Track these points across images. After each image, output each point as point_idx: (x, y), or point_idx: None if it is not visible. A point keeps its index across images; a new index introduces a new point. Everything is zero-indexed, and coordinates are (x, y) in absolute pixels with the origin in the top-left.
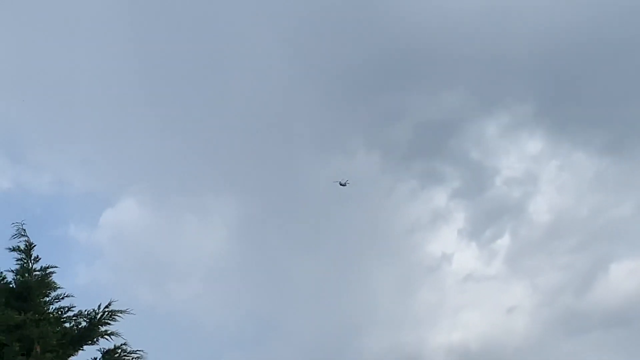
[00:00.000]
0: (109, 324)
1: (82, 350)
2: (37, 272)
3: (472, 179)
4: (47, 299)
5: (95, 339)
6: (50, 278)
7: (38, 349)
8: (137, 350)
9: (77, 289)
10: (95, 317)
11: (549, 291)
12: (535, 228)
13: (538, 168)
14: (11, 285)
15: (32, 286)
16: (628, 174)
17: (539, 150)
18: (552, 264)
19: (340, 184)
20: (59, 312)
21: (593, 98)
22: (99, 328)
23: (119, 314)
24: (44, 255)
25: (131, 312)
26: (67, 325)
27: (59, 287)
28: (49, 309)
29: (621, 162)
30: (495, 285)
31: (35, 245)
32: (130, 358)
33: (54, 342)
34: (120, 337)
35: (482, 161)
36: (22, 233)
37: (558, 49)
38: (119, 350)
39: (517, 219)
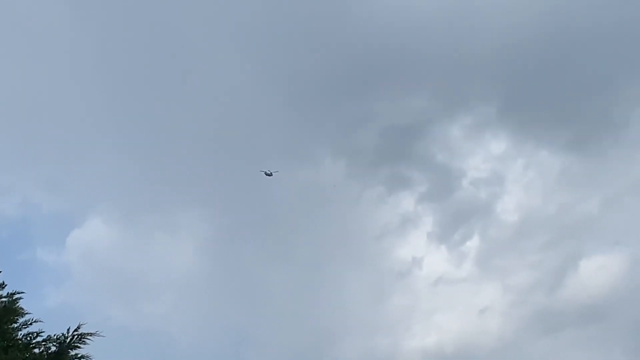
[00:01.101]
0: (79, 347)
1: None
2: (4, 299)
3: (439, 182)
4: (15, 325)
5: None
6: (18, 304)
7: None
8: None
9: (47, 312)
10: (64, 342)
11: (521, 290)
12: (504, 228)
13: (504, 168)
14: None
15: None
16: (593, 170)
17: (504, 150)
18: (523, 263)
19: (266, 174)
20: (28, 338)
21: (555, 96)
22: (69, 352)
23: (89, 337)
24: (12, 280)
25: (101, 334)
26: (36, 350)
27: (27, 313)
28: (17, 335)
29: (586, 159)
30: (467, 287)
31: (0, 272)
32: None
33: None
34: None
35: (448, 163)
36: None
37: (518, 49)
38: None
39: (485, 220)
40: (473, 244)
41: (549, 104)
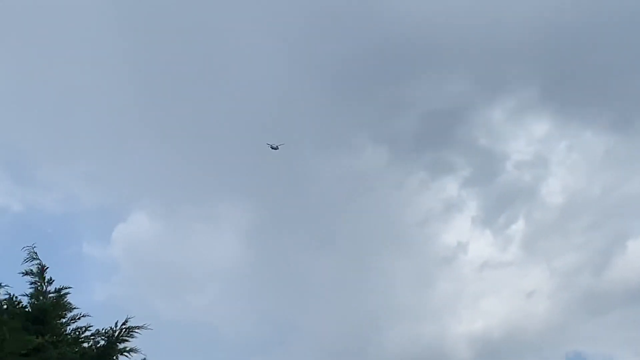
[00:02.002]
0: (128, 340)
1: None
2: (52, 294)
3: (482, 166)
4: (64, 320)
5: (114, 357)
6: (66, 299)
7: None
8: None
9: (94, 306)
10: (113, 335)
11: (567, 273)
12: (549, 210)
13: (547, 150)
14: (27, 309)
15: (48, 309)
16: (638, 150)
17: (547, 132)
18: (569, 245)
19: (272, 147)
20: (77, 333)
21: (598, 76)
22: (117, 346)
23: (136, 330)
24: (59, 275)
25: (149, 327)
26: (85, 345)
27: (74, 308)
28: (66, 330)
29: (630, 138)
30: (513, 270)
31: (48, 268)
32: None
33: None
34: (140, 353)
35: (491, 147)
36: (34, 256)
37: (559, 29)
38: None
39: (530, 203)
40: (518, 227)
41: (592, 84)
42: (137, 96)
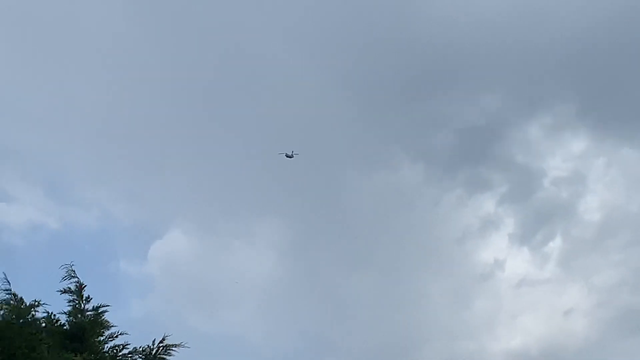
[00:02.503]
0: (165, 358)
1: None
2: (90, 312)
3: (520, 183)
4: (102, 338)
5: None
6: (103, 317)
7: None
8: None
9: (131, 323)
10: (150, 353)
11: (606, 290)
12: (587, 227)
13: (585, 166)
14: (65, 327)
15: (86, 327)
16: None
17: (585, 149)
18: (607, 263)
19: (287, 156)
20: (114, 351)
21: (635, 92)
22: None
23: (173, 348)
24: (96, 293)
25: (185, 345)
26: None
27: (112, 326)
28: (104, 348)
29: None
30: (551, 288)
31: (85, 286)
32: None
33: None
34: None
35: (528, 164)
36: (72, 274)
37: (597, 45)
38: None
39: (567, 220)
40: (555, 244)
41: (630, 101)
42: (173, 115)
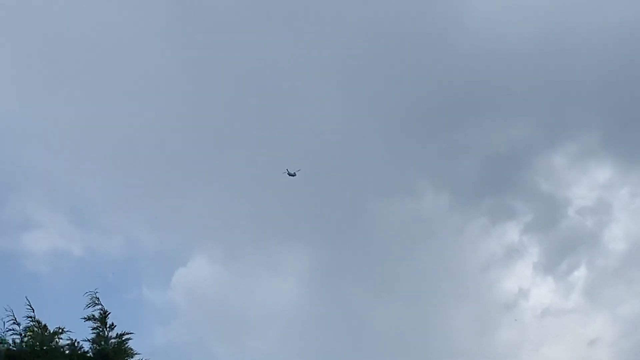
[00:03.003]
0: None
1: None
2: (114, 340)
3: (544, 212)
4: None
5: None
6: (127, 344)
7: None
8: None
9: (155, 351)
10: None
11: (631, 320)
12: (612, 257)
13: (610, 196)
14: (89, 355)
15: (110, 354)
16: None
17: (610, 178)
18: (632, 292)
19: (289, 174)
20: None
21: None
22: None
23: None
24: (120, 320)
25: None
26: None
27: (136, 353)
28: None
29: None
30: (575, 318)
31: (109, 313)
32: None
33: None
34: None
35: (552, 192)
36: (96, 302)
37: (621, 74)
38: None
39: (592, 249)
40: (580, 273)
41: None
42: (198, 142)
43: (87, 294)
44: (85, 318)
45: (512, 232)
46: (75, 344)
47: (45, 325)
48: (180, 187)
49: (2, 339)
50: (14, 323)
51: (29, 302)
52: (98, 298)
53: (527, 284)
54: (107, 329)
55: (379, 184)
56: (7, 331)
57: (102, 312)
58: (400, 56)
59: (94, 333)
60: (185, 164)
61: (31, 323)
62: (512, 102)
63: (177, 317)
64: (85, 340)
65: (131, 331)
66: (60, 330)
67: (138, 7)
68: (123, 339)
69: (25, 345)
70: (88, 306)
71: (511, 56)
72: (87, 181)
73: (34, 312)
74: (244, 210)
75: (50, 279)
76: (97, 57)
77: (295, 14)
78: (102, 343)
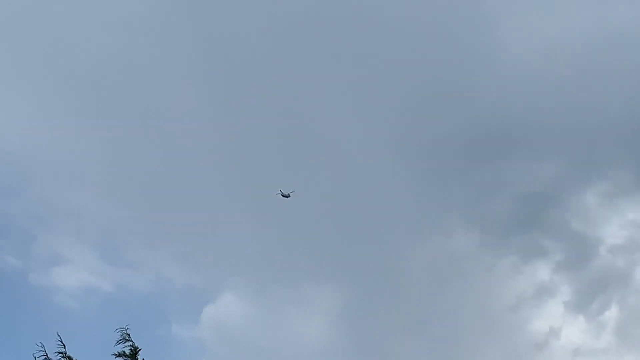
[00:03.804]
0: None
1: None
2: None
3: (575, 250)
4: None
5: None
6: None
7: None
8: None
9: None
10: None
11: None
12: None
13: None
14: None
15: None
16: None
17: None
18: None
19: (283, 195)
20: None
21: None
22: None
23: None
24: (150, 356)
25: None
26: None
27: None
28: None
29: None
30: (607, 358)
31: (140, 349)
32: None
33: None
34: None
35: (584, 231)
36: (127, 338)
37: None
38: None
39: (624, 288)
40: (612, 313)
41: None
42: (228, 180)
43: (118, 330)
44: (116, 354)
45: (543, 271)
46: None
47: None
48: (209, 223)
49: None
50: (45, 359)
51: (60, 337)
52: (129, 334)
53: (558, 323)
54: None
55: (410, 223)
56: None
57: (132, 348)
58: (431, 96)
59: None
60: (214, 201)
61: (62, 359)
62: (544, 140)
63: (206, 354)
64: None
65: None
66: None
67: (169, 46)
68: None
69: None
70: (119, 342)
71: (543, 95)
72: (116, 217)
73: (64, 347)
74: (273, 247)
75: (80, 314)
76: (128, 96)
77: (328, 56)
78: None
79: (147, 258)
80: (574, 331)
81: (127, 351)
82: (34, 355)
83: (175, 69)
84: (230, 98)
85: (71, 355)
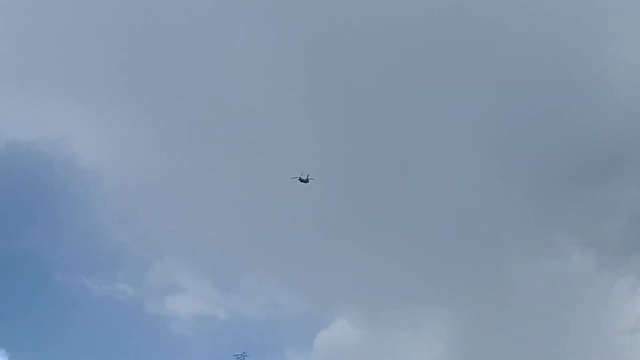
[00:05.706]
0: None
1: None
2: None
3: None
4: None
5: None
6: None
7: None
8: None
9: None
10: None
11: None
12: None
13: None
14: None
15: None
16: None
17: None
18: None
19: (301, 180)
20: None
21: None
22: None
23: None
24: None
25: None
26: None
27: None
28: None
29: None
30: None
31: None
32: None
33: None
34: None
35: None
36: None
37: None
38: None
39: None
40: None
41: None
42: (339, 206)
43: (236, 356)
44: None
45: None
46: None
47: None
48: (321, 249)
49: None
50: None
51: None
52: None
53: None
54: None
55: (523, 245)
56: None
57: None
58: (545, 116)
59: None
60: (325, 227)
61: None
62: None
63: None
64: None
65: None
66: None
67: (279, 71)
68: None
69: None
70: None
71: None
72: (229, 245)
73: None
74: (385, 272)
75: (194, 342)
76: (239, 126)
77: (442, 68)
78: None
79: (259, 285)
80: None
81: None
82: None
83: (285, 92)
84: (337, 118)
85: None
